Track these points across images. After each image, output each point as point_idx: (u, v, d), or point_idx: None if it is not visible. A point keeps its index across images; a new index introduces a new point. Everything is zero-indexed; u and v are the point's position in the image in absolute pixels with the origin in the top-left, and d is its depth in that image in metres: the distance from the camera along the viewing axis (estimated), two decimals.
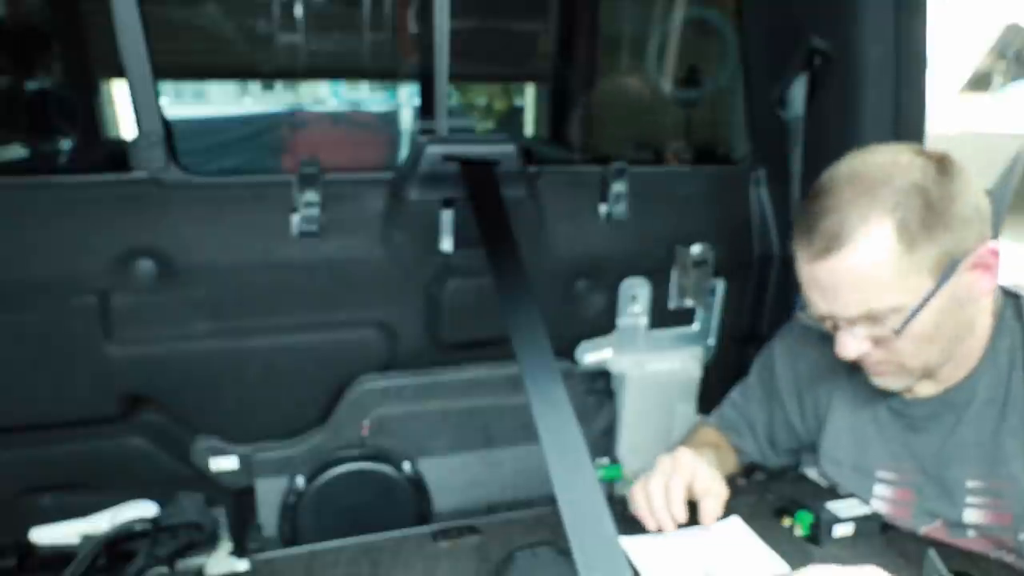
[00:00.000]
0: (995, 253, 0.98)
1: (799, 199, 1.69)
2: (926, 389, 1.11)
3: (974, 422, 1.07)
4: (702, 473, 1.10)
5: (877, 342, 1.01)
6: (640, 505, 1.10)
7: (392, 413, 1.58)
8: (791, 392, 1.32)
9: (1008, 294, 1.11)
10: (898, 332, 0.98)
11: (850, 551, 1.08)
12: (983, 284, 1.00)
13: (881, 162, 0.99)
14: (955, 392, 1.08)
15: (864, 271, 0.94)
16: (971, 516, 1.07)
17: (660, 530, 1.08)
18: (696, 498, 1.10)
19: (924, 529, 1.12)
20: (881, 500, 1.17)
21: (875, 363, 1.06)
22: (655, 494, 1.08)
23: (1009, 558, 1.06)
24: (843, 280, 0.96)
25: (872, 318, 0.98)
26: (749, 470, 1.43)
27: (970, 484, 1.07)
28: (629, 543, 1.06)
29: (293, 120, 3.70)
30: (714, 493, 1.10)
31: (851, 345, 1.01)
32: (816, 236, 0.97)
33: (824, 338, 1.25)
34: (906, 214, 0.93)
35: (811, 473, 1.31)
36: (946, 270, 0.95)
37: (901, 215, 0.93)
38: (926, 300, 0.95)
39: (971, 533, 1.08)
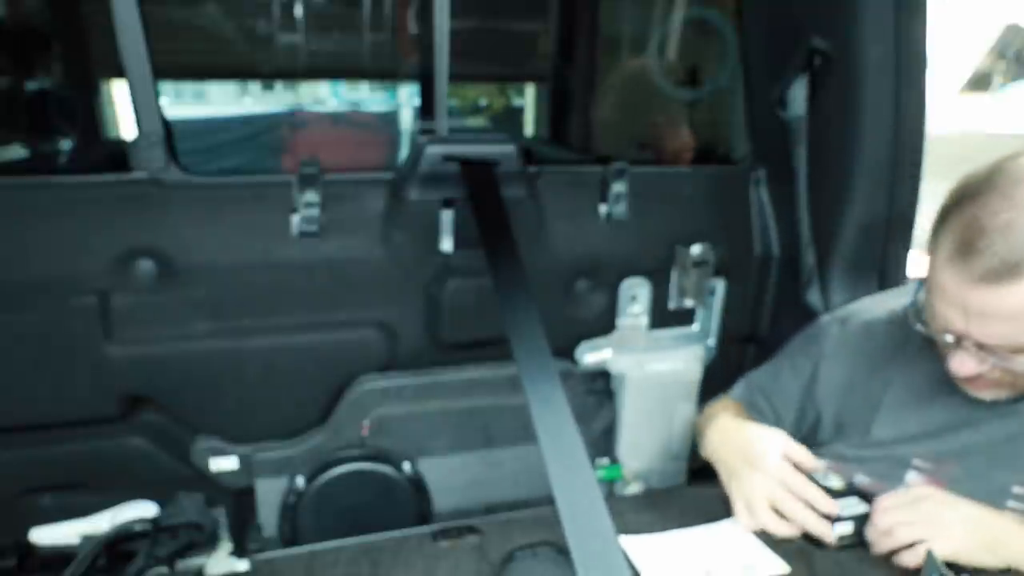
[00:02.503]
0: None
1: (805, 199, 1.67)
2: None
3: None
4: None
5: (995, 367, 0.97)
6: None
7: (392, 413, 1.58)
8: (833, 396, 1.27)
9: None
10: None
11: (850, 550, 1.08)
12: None
13: None
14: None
15: None
16: None
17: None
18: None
19: None
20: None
21: (982, 382, 1.01)
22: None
23: None
24: (1002, 312, 0.89)
25: (1015, 350, 0.93)
26: None
27: (1017, 490, 1.05)
28: (629, 543, 1.06)
29: (293, 120, 3.69)
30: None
31: (970, 365, 0.96)
32: (980, 258, 0.88)
33: (891, 323, 1.23)
34: None
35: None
36: None
37: None
38: None
39: None
